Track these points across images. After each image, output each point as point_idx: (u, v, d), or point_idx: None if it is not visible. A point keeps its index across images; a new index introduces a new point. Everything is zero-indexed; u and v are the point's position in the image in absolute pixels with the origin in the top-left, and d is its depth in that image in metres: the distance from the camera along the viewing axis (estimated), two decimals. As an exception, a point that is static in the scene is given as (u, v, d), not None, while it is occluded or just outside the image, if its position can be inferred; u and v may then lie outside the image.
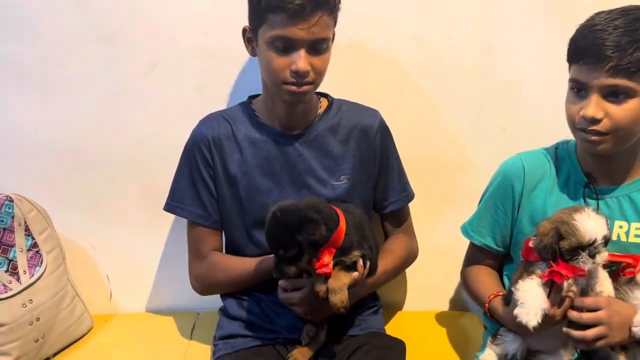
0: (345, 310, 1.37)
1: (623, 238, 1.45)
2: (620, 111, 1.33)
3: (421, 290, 2.00)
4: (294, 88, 1.49)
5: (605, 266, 1.38)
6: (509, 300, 1.41)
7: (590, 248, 1.29)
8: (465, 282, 1.69)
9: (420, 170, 1.85)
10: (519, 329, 1.38)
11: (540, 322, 1.29)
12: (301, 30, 1.42)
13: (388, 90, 1.85)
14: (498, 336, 1.48)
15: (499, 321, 1.48)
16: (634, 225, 1.45)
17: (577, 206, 1.37)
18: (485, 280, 1.61)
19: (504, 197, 1.56)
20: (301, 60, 1.45)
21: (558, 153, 1.54)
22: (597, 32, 1.32)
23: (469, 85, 1.84)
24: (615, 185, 1.47)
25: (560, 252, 1.30)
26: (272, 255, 1.46)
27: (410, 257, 1.79)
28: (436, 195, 1.91)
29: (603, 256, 1.31)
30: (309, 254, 1.37)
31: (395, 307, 2.01)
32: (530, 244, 1.36)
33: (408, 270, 1.94)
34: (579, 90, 1.37)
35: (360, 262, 1.42)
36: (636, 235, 1.45)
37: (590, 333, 1.31)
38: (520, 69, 1.79)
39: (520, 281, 1.35)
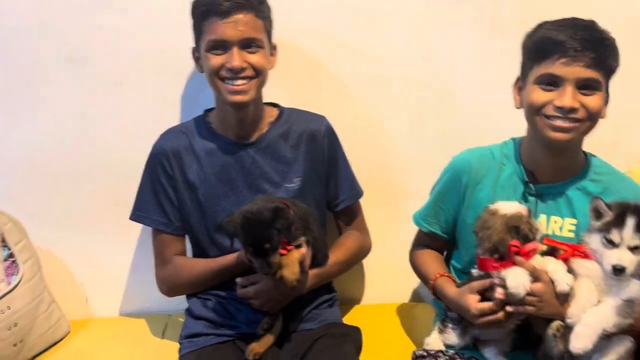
0: (298, 283, 1.52)
1: (557, 232, 1.57)
2: (592, 102, 1.46)
3: (377, 284, 2.12)
4: (232, 86, 1.62)
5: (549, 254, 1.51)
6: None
7: (532, 216, 1.49)
8: (412, 263, 1.81)
9: (369, 170, 1.97)
10: (461, 312, 1.52)
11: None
12: (230, 30, 1.58)
13: (335, 99, 1.97)
14: (446, 327, 1.60)
15: (442, 299, 1.62)
16: (567, 221, 1.57)
17: (486, 209, 1.51)
18: (431, 261, 1.74)
19: (452, 189, 1.68)
20: (234, 57, 1.60)
21: (504, 151, 1.65)
22: (567, 30, 1.45)
23: (409, 91, 1.97)
24: (554, 183, 1.58)
25: (527, 239, 1.45)
26: (234, 254, 1.63)
27: (362, 251, 1.91)
28: (386, 194, 2.03)
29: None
30: (287, 236, 1.52)
31: (352, 301, 2.12)
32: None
33: (364, 265, 2.07)
34: (549, 84, 1.48)
35: (304, 244, 1.56)
36: (570, 230, 1.57)
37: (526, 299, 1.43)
38: (457, 76, 1.92)
39: None
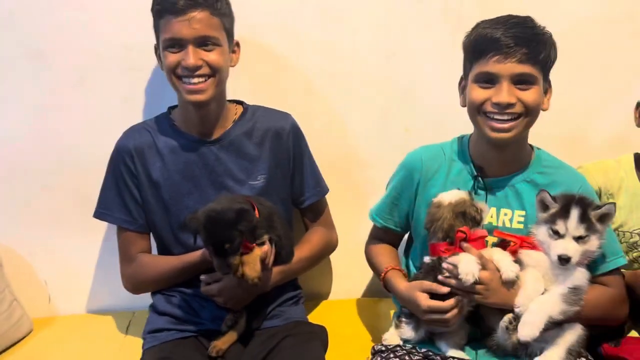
0: (259, 281, 1.54)
1: (507, 224, 1.61)
2: (529, 96, 1.51)
3: (343, 279, 2.14)
4: (189, 86, 1.63)
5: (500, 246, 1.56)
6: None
7: (474, 199, 1.56)
8: (367, 256, 1.85)
9: (334, 167, 2.00)
10: (410, 307, 1.56)
11: None
12: (185, 28, 1.59)
13: (299, 96, 1.99)
14: (401, 322, 1.63)
15: (392, 292, 1.66)
16: (517, 212, 1.61)
17: (431, 203, 1.58)
18: (384, 254, 1.78)
19: (405, 185, 1.71)
20: (189, 55, 1.60)
21: (453, 147, 1.70)
22: (498, 30, 1.49)
23: (373, 89, 1.99)
24: (502, 177, 1.63)
25: (475, 221, 1.52)
26: (198, 252, 1.63)
27: (328, 247, 1.93)
28: (350, 189, 2.05)
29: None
30: (249, 239, 1.53)
31: (319, 296, 2.14)
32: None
33: (331, 261, 2.09)
34: (486, 81, 1.53)
35: (267, 242, 1.58)
36: (519, 222, 1.61)
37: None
38: (419, 74, 1.95)
39: None
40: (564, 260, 1.44)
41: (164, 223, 1.77)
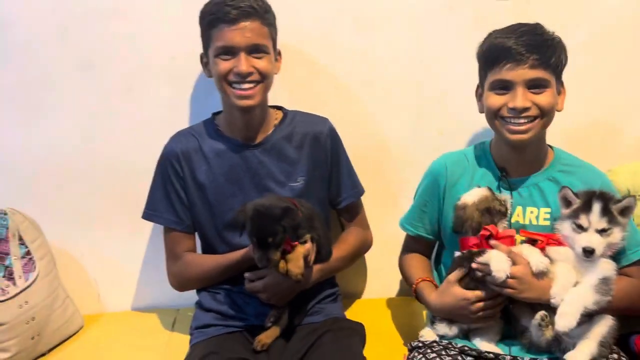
0: (302, 277, 1.62)
1: (534, 222, 1.67)
2: (543, 99, 1.58)
3: (377, 279, 2.20)
4: (240, 92, 1.71)
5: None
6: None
7: (494, 192, 1.63)
8: (400, 268, 1.91)
9: (369, 169, 2.06)
10: (443, 315, 1.62)
11: None
12: (238, 36, 1.68)
13: (336, 101, 2.06)
14: (435, 320, 1.69)
15: (423, 303, 1.72)
16: (542, 210, 1.67)
17: (456, 206, 1.64)
18: (417, 265, 1.84)
19: (432, 192, 1.78)
20: (242, 62, 1.69)
21: (475, 152, 1.77)
22: (510, 39, 1.58)
23: (407, 94, 2.06)
24: (526, 177, 1.70)
25: (503, 213, 1.59)
26: (242, 250, 1.72)
27: (364, 246, 2.00)
28: (385, 191, 2.11)
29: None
30: (291, 237, 1.61)
31: (354, 295, 2.21)
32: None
33: (365, 260, 2.15)
34: (501, 88, 1.60)
35: (309, 240, 1.66)
36: (545, 219, 1.67)
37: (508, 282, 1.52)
38: (452, 79, 2.01)
39: None
40: (588, 252, 1.49)
41: (209, 223, 1.85)
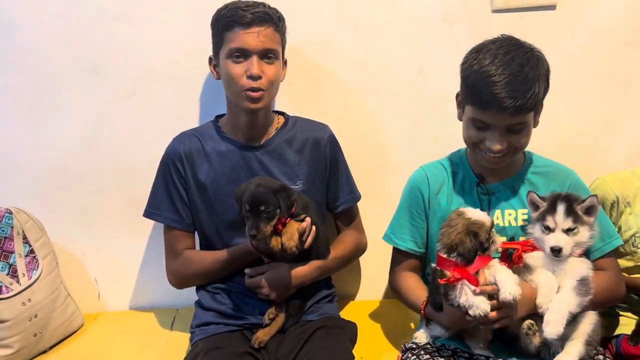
0: (297, 249, 1.67)
1: (513, 223, 1.73)
2: (519, 139, 1.64)
3: (371, 281, 2.26)
4: (251, 93, 1.76)
5: (503, 255, 1.64)
6: (435, 305, 1.65)
7: (494, 229, 1.59)
8: (395, 289, 1.90)
9: (366, 174, 2.12)
10: (453, 325, 1.64)
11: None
12: (252, 39, 1.74)
13: (336, 108, 2.12)
14: (430, 325, 1.72)
15: (434, 321, 1.69)
16: (520, 211, 1.74)
17: (457, 210, 1.62)
18: (413, 287, 1.82)
19: (416, 203, 1.82)
20: (254, 64, 1.74)
21: (452, 161, 1.84)
22: (494, 85, 1.54)
23: (404, 102, 2.12)
24: (502, 181, 1.76)
25: (481, 246, 1.54)
26: (240, 245, 1.78)
27: (359, 249, 2.05)
28: (380, 196, 2.16)
29: (499, 239, 1.62)
30: (283, 213, 1.66)
31: (349, 297, 2.26)
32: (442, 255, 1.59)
33: (360, 263, 2.21)
34: (481, 124, 1.63)
35: (308, 219, 1.71)
36: (523, 220, 1.73)
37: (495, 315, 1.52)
38: (448, 89, 2.02)
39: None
40: (556, 251, 1.56)
41: (209, 222, 1.89)
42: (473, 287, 1.51)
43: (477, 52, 1.63)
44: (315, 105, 2.10)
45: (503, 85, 1.54)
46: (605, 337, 1.75)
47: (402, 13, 2.05)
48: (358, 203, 2.06)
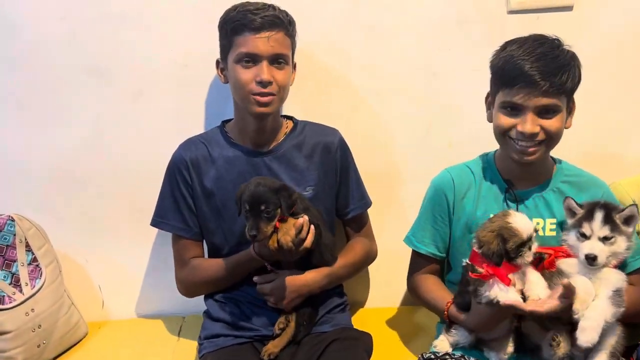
0: (293, 245, 1.62)
1: (541, 233, 1.68)
2: (552, 124, 1.59)
3: (382, 288, 2.21)
4: (259, 98, 1.71)
5: (535, 260, 1.58)
6: (462, 305, 1.63)
7: (529, 243, 1.52)
8: (415, 291, 1.85)
9: (377, 180, 2.07)
10: (479, 327, 1.60)
11: None
12: (262, 44, 1.68)
13: (346, 112, 2.07)
14: (452, 329, 1.68)
15: (458, 323, 1.66)
16: (548, 221, 1.69)
17: (504, 211, 1.58)
18: (435, 288, 1.79)
19: (440, 207, 1.77)
20: (264, 70, 1.70)
21: (479, 165, 1.78)
22: (525, 61, 1.55)
23: (417, 106, 2.07)
24: (531, 188, 1.71)
25: (507, 253, 1.50)
26: (247, 250, 1.73)
27: (369, 256, 2.00)
28: (393, 203, 2.12)
29: (535, 247, 1.54)
30: (284, 212, 1.61)
31: (358, 304, 2.21)
32: (476, 250, 1.56)
33: (369, 270, 2.16)
34: (512, 109, 1.60)
35: (305, 217, 1.65)
36: (551, 229, 1.69)
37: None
38: (462, 91, 2.02)
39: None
40: (590, 259, 1.51)
41: (216, 230, 1.85)
42: (504, 285, 1.48)
43: (506, 44, 1.62)
44: (325, 109, 2.05)
45: (533, 61, 1.54)
46: (627, 347, 1.68)
47: (415, 15, 2.00)
48: (368, 210, 2.00)
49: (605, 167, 2.05)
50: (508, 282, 1.49)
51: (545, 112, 1.58)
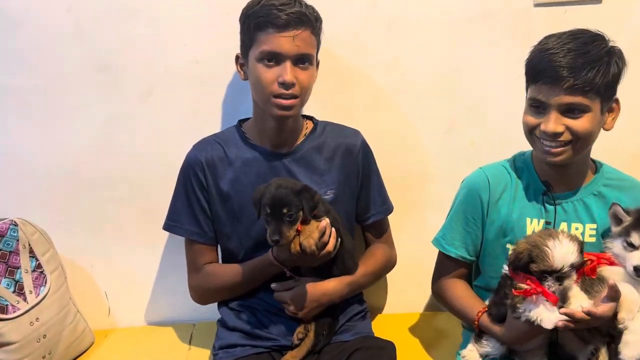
0: (316, 248, 1.53)
1: (580, 239, 1.58)
2: (578, 124, 1.50)
3: (401, 294, 2.14)
4: (281, 101, 1.62)
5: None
6: (496, 317, 1.55)
7: (558, 274, 1.40)
8: (441, 297, 1.78)
9: (398, 182, 1.99)
10: (513, 341, 1.52)
11: None
12: (286, 43, 1.59)
13: (367, 110, 1.99)
14: (483, 340, 1.60)
15: (489, 333, 1.58)
16: (588, 226, 1.61)
17: (552, 231, 1.47)
18: (465, 295, 1.71)
19: (474, 208, 1.68)
20: (287, 71, 1.60)
21: (516, 165, 1.70)
22: (553, 55, 1.48)
23: (439, 103, 1.99)
24: (570, 191, 1.63)
25: (531, 273, 1.42)
26: (264, 255, 1.66)
27: (389, 264, 1.92)
28: (413, 205, 2.04)
29: (571, 280, 1.41)
30: (306, 215, 1.53)
31: (376, 310, 2.14)
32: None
33: (389, 275, 2.07)
34: (537, 107, 1.53)
35: (327, 219, 1.58)
36: (590, 235, 1.61)
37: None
38: (485, 88, 1.94)
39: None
40: (639, 271, 1.44)
41: (232, 234, 1.77)
42: (549, 303, 1.40)
43: (544, 38, 1.56)
44: (345, 108, 1.97)
45: (561, 56, 1.47)
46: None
47: (438, 9, 1.92)
48: (387, 213, 1.93)
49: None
50: (555, 300, 1.40)
51: (569, 110, 1.49)
